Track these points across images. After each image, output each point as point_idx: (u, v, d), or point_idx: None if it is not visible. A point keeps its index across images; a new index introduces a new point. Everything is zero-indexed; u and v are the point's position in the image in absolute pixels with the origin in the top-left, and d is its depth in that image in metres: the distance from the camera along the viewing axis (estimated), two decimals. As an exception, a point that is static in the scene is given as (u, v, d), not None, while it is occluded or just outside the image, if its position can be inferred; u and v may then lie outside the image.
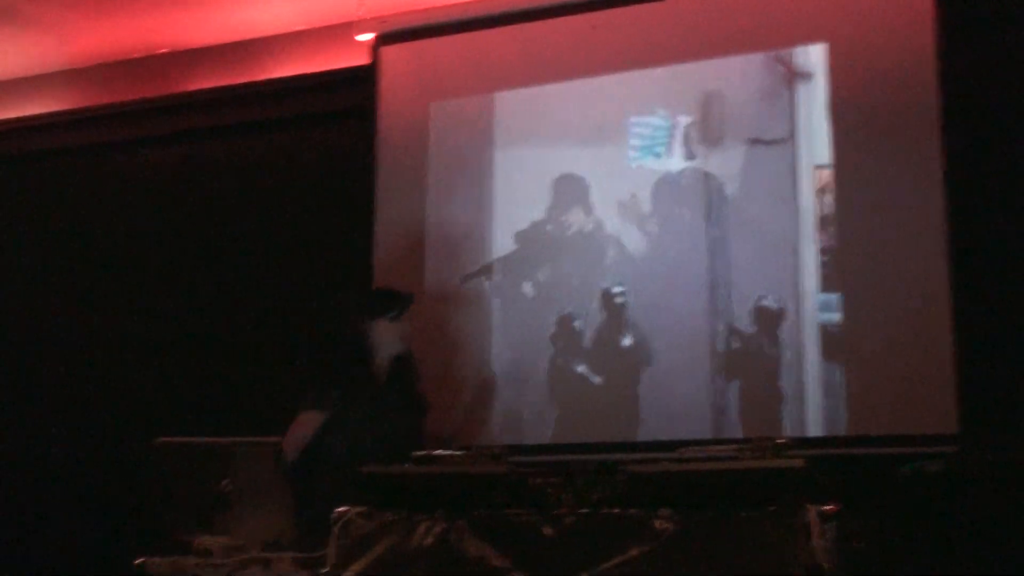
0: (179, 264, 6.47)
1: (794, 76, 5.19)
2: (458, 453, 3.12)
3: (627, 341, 5.25)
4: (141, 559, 3.14)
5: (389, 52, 6.00)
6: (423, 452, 3.15)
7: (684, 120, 5.32)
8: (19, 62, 6.78)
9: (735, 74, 5.27)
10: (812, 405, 4.87)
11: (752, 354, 5.02)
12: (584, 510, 2.90)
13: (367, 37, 6.03)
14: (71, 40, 6.51)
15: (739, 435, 4.84)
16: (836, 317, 4.90)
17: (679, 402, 5.09)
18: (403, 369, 4.29)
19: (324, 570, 2.95)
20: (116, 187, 6.76)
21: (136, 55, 6.70)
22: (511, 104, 5.68)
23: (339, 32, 6.16)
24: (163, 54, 6.66)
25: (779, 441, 2.92)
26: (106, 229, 6.72)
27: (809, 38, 5.17)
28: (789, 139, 5.12)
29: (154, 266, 6.52)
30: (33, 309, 6.80)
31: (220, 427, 3.60)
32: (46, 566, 6.14)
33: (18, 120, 6.96)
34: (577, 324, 5.34)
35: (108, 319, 6.55)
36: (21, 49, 6.60)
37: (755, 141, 5.19)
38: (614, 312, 5.29)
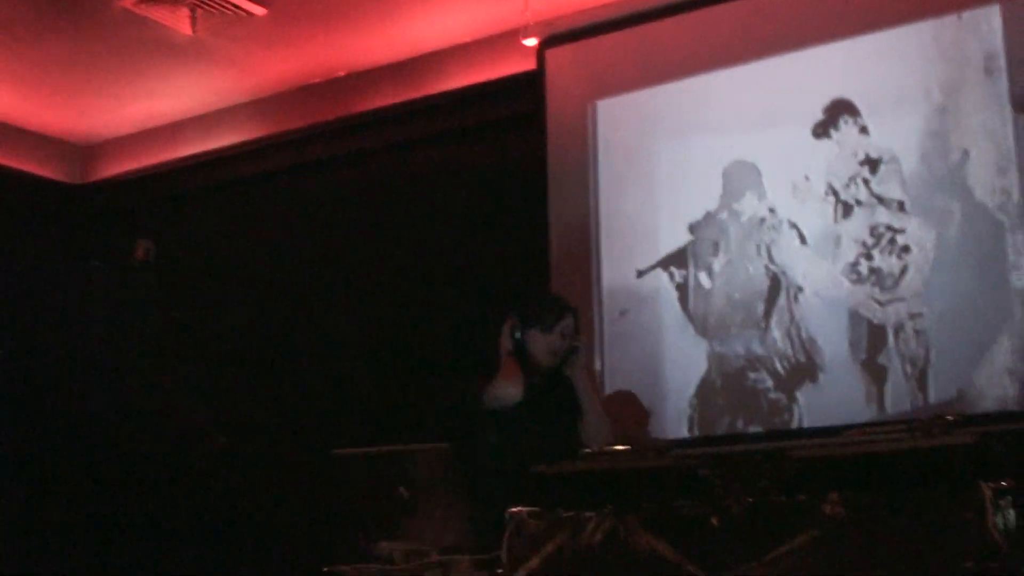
0: (362, 278, 6.65)
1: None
2: (623, 449, 3.13)
3: (803, 330, 5.16)
4: (327, 567, 3.25)
5: (554, 54, 6.05)
6: (590, 450, 3.17)
7: (856, 97, 5.21)
8: (205, 97, 7.08)
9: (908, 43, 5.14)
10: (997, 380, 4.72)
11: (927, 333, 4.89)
12: (751, 498, 2.87)
13: (533, 42, 6.09)
14: (251, 72, 6.77)
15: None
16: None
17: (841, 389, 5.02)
18: (557, 382, 4.31)
19: (499, 570, 2.99)
20: (303, 209, 6.99)
21: (316, 80, 6.92)
22: (676, 95, 5.66)
23: (507, 39, 6.23)
24: (340, 77, 6.86)
25: (949, 418, 2.84)
26: (294, 250, 6.96)
27: (981, 1, 5.00)
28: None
29: (339, 281, 6.72)
30: (223, 329, 7.08)
31: (395, 436, 3.71)
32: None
33: (208, 153, 7.27)
34: (756, 312, 5.28)
35: (294, 336, 6.78)
36: (205, 85, 6.90)
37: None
38: (791, 298, 5.21)
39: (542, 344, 4.34)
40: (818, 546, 2.72)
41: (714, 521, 2.87)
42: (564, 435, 4.07)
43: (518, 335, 4.33)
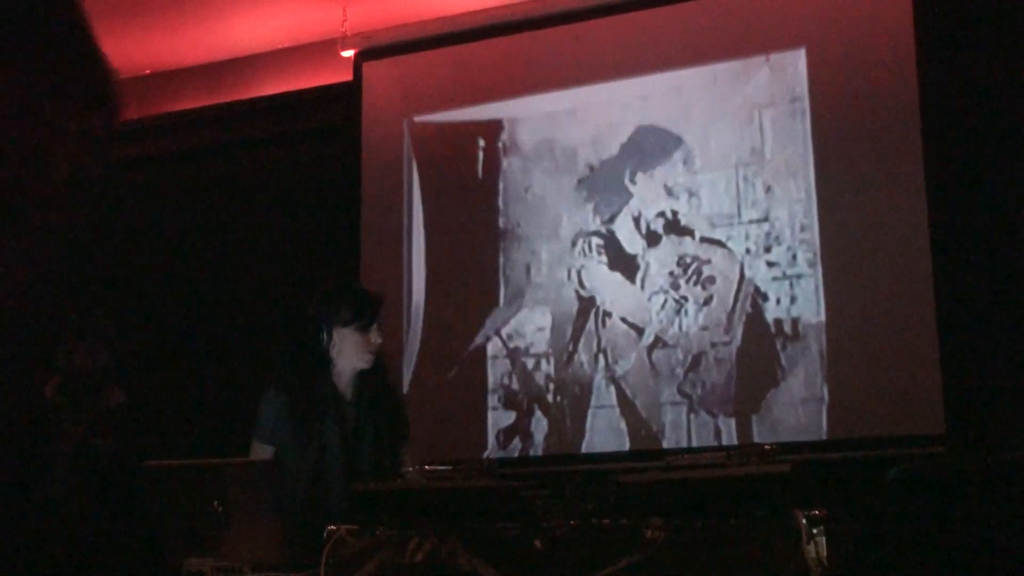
0: (166, 284, 6.45)
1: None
2: (447, 468, 3.12)
3: (608, 354, 5.27)
4: (135, 585, 3.14)
5: (371, 68, 6.02)
6: (413, 468, 3.15)
7: (669, 128, 5.36)
8: (2, 87, 6.78)
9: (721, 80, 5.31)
10: (792, 410, 4.91)
11: (728, 362, 5.05)
12: (574, 521, 2.90)
13: (350, 53, 6.05)
14: (54, 63, 6.51)
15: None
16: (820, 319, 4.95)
17: (658, 410, 5.13)
18: (372, 385, 3.91)
19: (316, 589, 2.93)
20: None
21: (120, 77, 6.69)
22: (490, 116, 5.71)
23: (325, 48, 6.17)
24: (147, 75, 6.66)
25: (766, 447, 2.93)
26: (93, 251, 6.70)
27: (788, 44, 5.20)
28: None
29: (141, 287, 6.50)
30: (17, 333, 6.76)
31: (209, 448, 3.60)
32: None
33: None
34: (564, 335, 5.36)
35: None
36: (4, 74, 6.61)
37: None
38: (598, 323, 5.30)
39: (361, 344, 3.84)
40: (639, 570, 2.76)
41: (537, 543, 2.88)
42: (385, 450, 3.89)
43: (325, 338, 3.83)
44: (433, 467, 3.15)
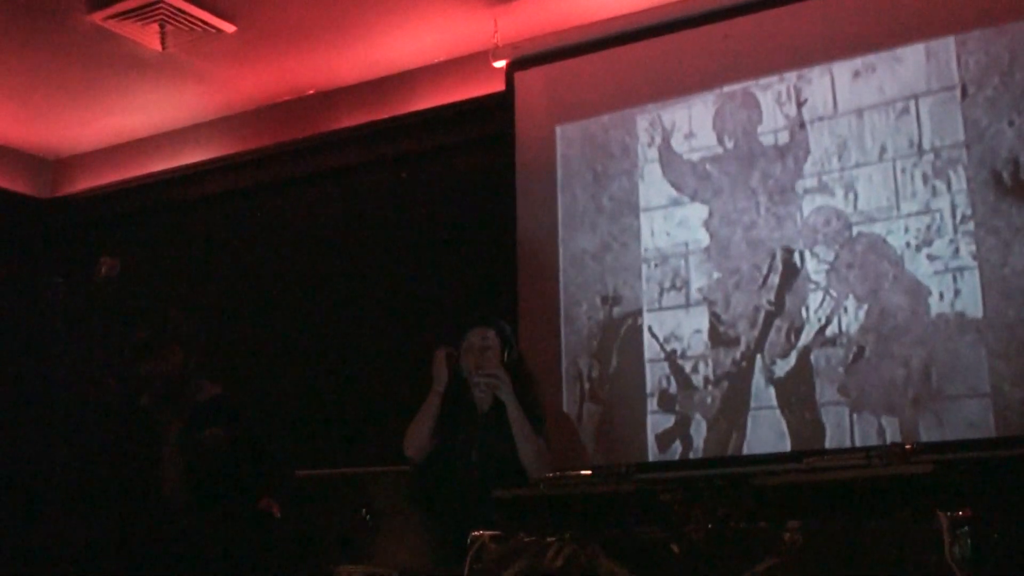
0: (328, 297, 6.64)
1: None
2: (586, 473, 3.14)
3: (765, 354, 5.19)
4: (289, 589, 3.24)
5: (523, 77, 6.07)
6: (553, 473, 3.18)
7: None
8: (173, 114, 7.08)
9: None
10: (957, 408, 4.75)
11: (886, 359, 4.92)
12: (712, 525, 2.88)
13: (502, 64, 6.11)
14: (220, 89, 6.75)
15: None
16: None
17: (820, 411, 5.03)
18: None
19: (460, 594, 2.99)
20: (269, 228, 6.97)
21: (285, 98, 6.91)
22: (645, 120, 5.71)
23: (477, 60, 6.25)
24: (308, 96, 6.85)
25: (907, 447, 2.86)
26: (259, 268, 6.94)
27: (942, 31, 5.05)
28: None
29: (306, 299, 6.70)
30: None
31: (357, 458, 3.69)
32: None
33: (176, 170, 7.25)
34: (727, 333, 5.31)
35: (259, 355, 6.73)
36: (174, 101, 6.89)
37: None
38: (766, 324, 5.25)
39: (465, 364, 4.21)
40: (778, 573, 2.73)
41: (675, 547, 2.88)
42: (512, 459, 4.00)
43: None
44: (572, 472, 3.18)
